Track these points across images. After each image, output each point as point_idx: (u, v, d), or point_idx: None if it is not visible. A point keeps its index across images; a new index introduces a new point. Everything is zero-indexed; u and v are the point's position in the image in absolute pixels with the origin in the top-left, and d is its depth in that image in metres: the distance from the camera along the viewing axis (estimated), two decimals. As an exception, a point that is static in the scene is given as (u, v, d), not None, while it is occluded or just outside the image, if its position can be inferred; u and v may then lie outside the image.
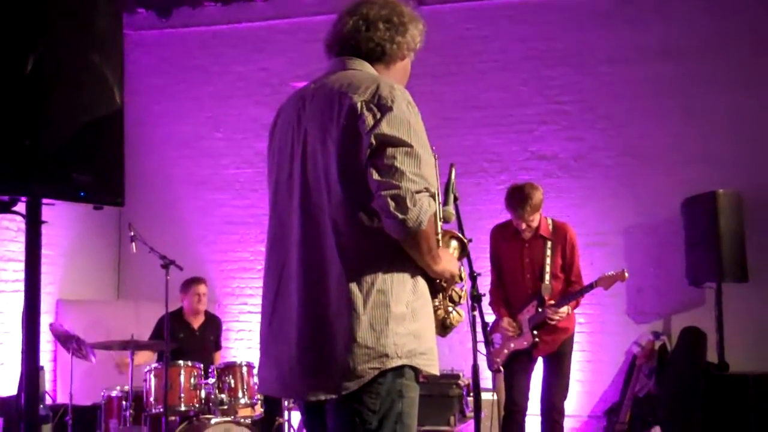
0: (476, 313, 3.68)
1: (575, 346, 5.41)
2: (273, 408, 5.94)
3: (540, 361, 5.24)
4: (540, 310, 5.09)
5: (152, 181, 8.05)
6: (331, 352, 2.29)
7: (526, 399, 5.21)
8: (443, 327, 2.56)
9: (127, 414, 5.42)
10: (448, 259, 2.49)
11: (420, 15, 2.65)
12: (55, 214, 2.44)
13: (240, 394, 5.52)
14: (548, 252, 5.16)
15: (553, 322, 5.07)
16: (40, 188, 2.24)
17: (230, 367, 5.60)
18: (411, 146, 2.28)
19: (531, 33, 7.54)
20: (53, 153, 2.22)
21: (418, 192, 2.24)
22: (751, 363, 6.32)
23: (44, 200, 2.29)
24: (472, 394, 4.19)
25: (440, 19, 7.49)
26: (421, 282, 2.42)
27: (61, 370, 7.38)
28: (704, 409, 6.02)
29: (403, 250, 2.32)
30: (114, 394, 5.59)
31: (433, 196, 2.31)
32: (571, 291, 5.16)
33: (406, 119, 2.31)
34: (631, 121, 7.24)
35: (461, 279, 2.57)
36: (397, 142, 2.27)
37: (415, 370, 2.37)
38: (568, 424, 5.59)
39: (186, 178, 8.29)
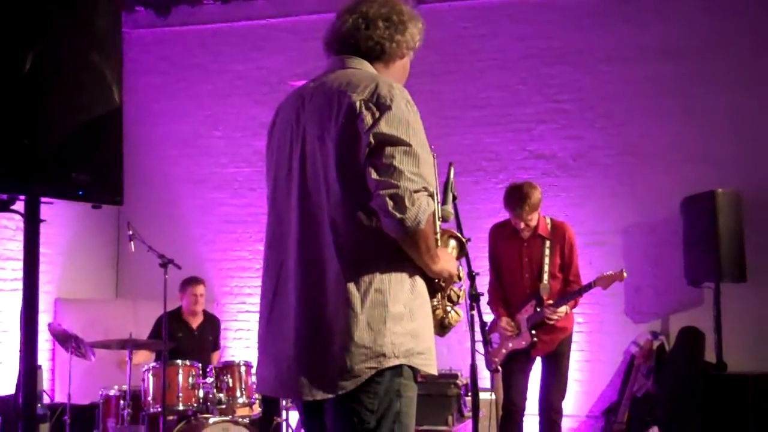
0: (474, 312, 3.67)
1: (573, 346, 5.41)
2: (271, 407, 5.94)
3: (538, 360, 5.24)
4: (538, 309, 5.09)
5: (151, 180, 8.04)
6: (329, 351, 2.29)
7: (524, 399, 5.20)
8: (442, 327, 2.56)
9: (125, 413, 5.42)
10: (446, 259, 2.49)
11: (419, 13, 2.65)
12: (54, 212, 2.44)
13: (238, 394, 5.52)
14: (547, 251, 5.15)
15: (552, 322, 5.07)
16: (39, 187, 2.24)
17: (228, 367, 5.60)
18: (410, 145, 2.27)
19: (530, 32, 7.54)
20: (52, 152, 2.22)
21: (416, 191, 2.24)
22: (750, 363, 6.33)
23: (43, 199, 2.28)
24: (470, 393, 4.20)
25: (439, 17, 7.50)
26: (420, 281, 2.42)
27: (60, 369, 7.38)
28: (702, 409, 6.02)
29: (402, 250, 2.32)
30: (112, 393, 5.59)
31: (431, 195, 2.30)
32: (570, 291, 5.16)
33: (404, 118, 2.30)
34: (630, 121, 7.24)
35: (460, 278, 2.56)
36: (396, 141, 2.27)
37: (414, 370, 2.37)
38: (566, 423, 5.58)
39: (185, 176, 8.29)
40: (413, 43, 2.61)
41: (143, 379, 5.47)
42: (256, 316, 2.58)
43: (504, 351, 5.19)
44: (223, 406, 5.47)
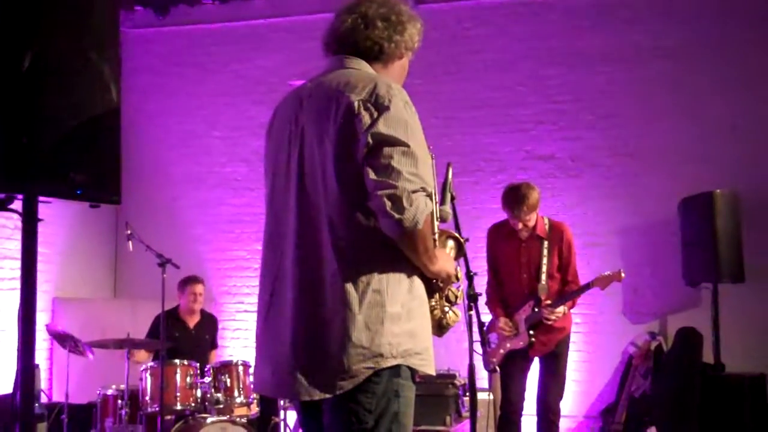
0: (473, 312, 3.68)
1: (571, 346, 5.42)
2: (269, 407, 5.94)
3: (536, 361, 5.24)
4: (536, 310, 5.09)
5: (149, 180, 8.04)
6: (326, 351, 2.29)
7: (522, 399, 5.20)
8: (440, 327, 2.56)
9: (123, 413, 5.41)
10: (444, 259, 2.49)
11: (418, 14, 2.65)
12: (52, 212, 2.44)
13: (236, 394, 5.52)
14: (545, 252, 5.15)
15: (550, 322, 5.07)
16: (37, 186, 2.24)
17: (226, 366, 5.60)
18: (408, 146, 2.27)
19: (529, 32, 7.54)
20: (50, 151, 2.22)
21: (414, 192, 2.24)
22: (747, 364, 6.32)
23: (41, 198, 2.28)
24: (468, 393, 4.20)
25: (438, 18, 7.50)
26: (418, 282, 2.41)
27: (57, 369, 7.37)
28: (700, 409, 6.02)
29: (400, 250, 2.31)
30: (110, 392, 5.58)
31: (429, 195, 2.30)
32: (568, 291, 5.16)
33: (403, 119, 2.30)
34: (628, 121, 7.24)
35: (458, 279, 2.56)
36: (394, 142, 2.27)
37: (412, 370, 2.37)
38: (563, 424, 5.59)
39: (183, 176, 8.29)
40: (412, 43, 2.61)
41: (141, 379, 5.47)
42: (254, 316, 2.58)
43: (502, 351, 5.19)
44: (221, 406, 5.47)
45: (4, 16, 2.14)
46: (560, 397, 5.19)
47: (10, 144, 2.14)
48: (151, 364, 5.58)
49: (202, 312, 6.55)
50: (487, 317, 4.77)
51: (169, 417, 5.40)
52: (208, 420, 5.30)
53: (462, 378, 6.48)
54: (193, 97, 8.33)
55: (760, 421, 6.00)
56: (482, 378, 5.98)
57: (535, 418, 5.21)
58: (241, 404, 5.55)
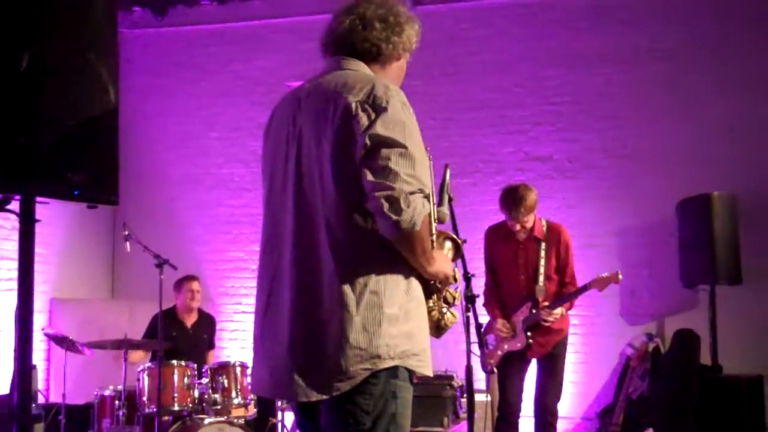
0: (470, 314, 3.67)
1: (569, 348, 5.42)
2: (266, 408, 5.94)
3: (534, 362, 5.24)
4: (534, 311, 5.09)
5: (147, 180, 8.03)
6: (324, 352, 2.29)
7: (520, 400, 5.20)
8: (438, 328, 2.56)
9: (120, 413, 5.41)
10: (442, 260, 2.49)
11: (416, 15, 2.65)
12: (49, 212, 2.44)
13: (233, 394, 5.51)
14: (542, 253, 5.16)
15: (547, 324, 5.07)
16: (34, 186, 2.23)
17: (224, 367, 5.59)
18: (405, 147, 2.27)
19: (526, 33, 7.55)
20: (47, 151, 2.21)
21: (412, 193, 2.24)
22: (745, 365, 6.33)
23: (38, 198, 2.28)
24: (465, 395, 4.20)
25: (436, 19, 7.50)
26: (415, 283, 2.41)
27: (55, 369, 7.37)
28: (697, 411, 6.02)
29: (397, 251, 2.31)
30: (107, 393, 5.58)
31: (427, 197, 2.30)
32: (565, 292, 5.16)
33: (400, 120, 2.30)
34: (626, 123, 7.25)
35: (455, 280, 2.56)
36: (392, 143, 2.27)
37: (409, 371, 2.37)
38: (561, 425, 5.59)
39: (181, 177, 8.28)
40: (410, 44, 2.61)
41: (138, 380, 5.46)
42: (252, 317, 2.58)
43: (499, 352, 5.19)
44: (219, 407, 5.46)
45: (3, 16, 2.14)
46: (558, 398, 5.19)
47: (7, 144, 2.14)
48: (148, 364, 5.58)
49: (200, 312, 6.55)
50: (484, 319, 4.77)
51: (166, 418, 5.39)
52: (206, 421, 5.29)
53: (460, 379, 6.48)
54: (191, 98, 8.32)
55: (757, 422, 6.01)
56: (480, 379, 6.02)
57: (532, 420, 5.21)
58: (239, 405, 5.54)
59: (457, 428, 6.30)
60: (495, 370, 5.15)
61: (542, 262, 5.14)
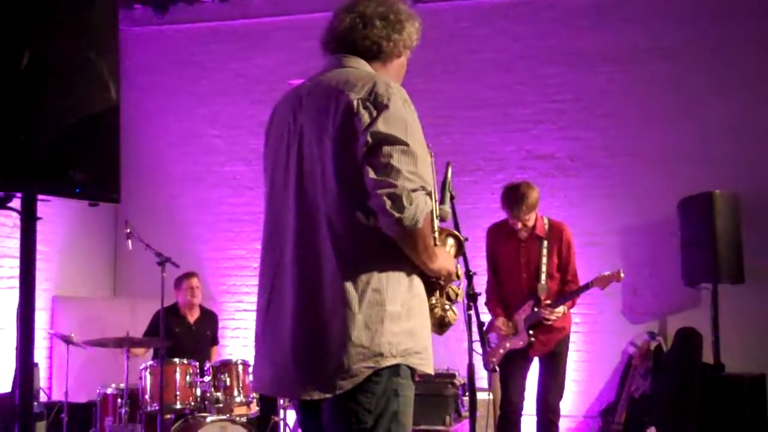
0: (472, 312, 3.67)
1: (571, 346, 5.42)
2: (268, 406, 5.94)
3: (536, 360, 5.24)
4: (536, 309, 5.09)
5: (148, 178, 8.04)
6: (326, 351, 2.29)
7: (522, 399, 5.21)
8: (441, 325, 2.55)
9: (123, 411, 5.41)
10: (444, 257, 2.49)
11: (416, 13, 2.65)
12: (51, 210, 2.44)
13: (235, 393, 5.51)
14: (544, 251, 5.15)
15: (549, 322, 5.07)
16: (36, 184, 2.23)
17: (226, 365, 5.59)
18: (407, 144, 2.27)
19: (528, 31, 7.54)
20: (49, 149, 2.21)
21: (414, 190, 2.24)
22: (747, 364, 6.32)
23: (39, 196, 2.28)
24: (467, 393, 4.19)
25: (437, 16, 7.49)
26: (417, 281, 2.41)
27: (57, 367, 7.37)
28: (700, 409, 6.01)
29: (399, 249, 2.31)
30: (109, 391, 5.58)
31: (429, 194, 2.30)
32: (567, 291, 5.16)
33: (402, 117, 2.30)
34: (628, 121, 7.24)
35: (458, 276, 2.56)
36: (394, 141, 2.26)
37: (411, 369, 2.36)
38: (563, 424, 5.59)
39: (182, 175, 8.28)
40: (410, 42, 2.61)
41: (141, 378, 5.47)
42: (254, 315, 2.57)
43: (502, 351, 5.19)
44: (221, 405, 5.47)
45: (3, 14, 2.14)
46: (560, 396, 5.19)
47: (8, 142, 2.13)
48: (150, 362, 5.58)
49: (202, 308, 6.56)
50: (486, 317, 4.76)
51: (168, 416, 5.39)
52: (208, 419, 5.30)
53: (461, 377, 6.47)
54: (192, 96, 8.32)
55: (759, 421, 6.00)
56: (482, 378, 6.00)
57: (534, 418, 5.21)
58: (241, 403, 5.54)
59: (459, 426, 6.30)
60: (497, 368, 5.15)
61: (544, 260, 5.14)
